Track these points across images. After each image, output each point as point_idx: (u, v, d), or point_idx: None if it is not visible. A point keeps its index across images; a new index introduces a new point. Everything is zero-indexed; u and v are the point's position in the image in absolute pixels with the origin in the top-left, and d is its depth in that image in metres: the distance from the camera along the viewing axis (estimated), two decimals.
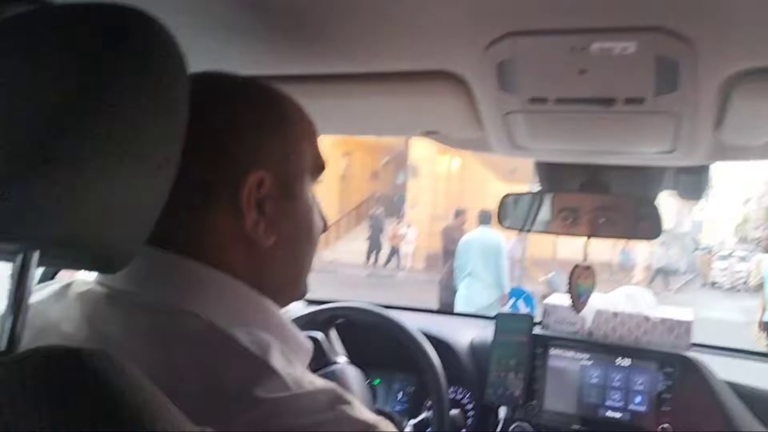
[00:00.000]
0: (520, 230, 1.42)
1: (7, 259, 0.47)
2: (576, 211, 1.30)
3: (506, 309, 6.30)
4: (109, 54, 0.46)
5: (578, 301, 1.30)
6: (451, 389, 1.56)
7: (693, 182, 1.26)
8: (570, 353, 1.49)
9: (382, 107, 1.02)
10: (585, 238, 1.30)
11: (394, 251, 17.18)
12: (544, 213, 1.36)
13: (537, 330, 1.56)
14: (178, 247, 0.59)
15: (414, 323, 1.50)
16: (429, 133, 1.14)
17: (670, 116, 0.83)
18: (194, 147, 0.56)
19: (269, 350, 0.55)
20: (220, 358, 0.53)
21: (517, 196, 1.40)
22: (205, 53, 0.55)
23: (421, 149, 17.88)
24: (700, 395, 1.35)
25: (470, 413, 1.57)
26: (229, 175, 0.60)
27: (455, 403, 1.57)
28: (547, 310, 1.59)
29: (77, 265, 0.56)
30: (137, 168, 0.48)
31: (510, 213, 1.41)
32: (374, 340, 1.46)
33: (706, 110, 0.81)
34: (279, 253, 0.64)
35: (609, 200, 1.29)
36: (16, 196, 0.42)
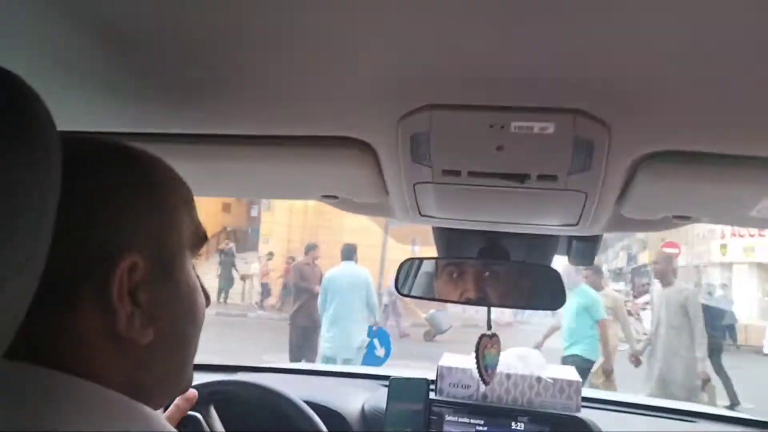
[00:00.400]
0: (419, 298, 1.37)
1: None
2: (475, 278, 1.29)
3: (362, 350, 6.30)
4: None
5: (486, 373, 1.27)
6: None
7: (585, 249, 1.30)
8: (465, 419, 1.47)
9: (279, 171, 0.94)
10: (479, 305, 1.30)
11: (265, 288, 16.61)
12: (442, 279, 1.34)
13: (432, 395, 1.51)
14: (36, 357, 0.49)
15: (299, 390, 1.40)
16: (327, 198, 1.07)
17: (580, 193, 0.84)
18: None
19: None
20: None
21: (414, 261, 1.36)
22: (73, 111, 0.43)
23: None
24: None
25: None
26: (95, 265, 0.49)
27: None
28: (442, 374, 1.56)
29: None
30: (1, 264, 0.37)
31: (408, 279, 1.36)
32: (258, 415, 1.34)
33: (612, 188, 0.83)
34: (159, 348, 0.54)
35: (509, 268, 1.29)
36: None
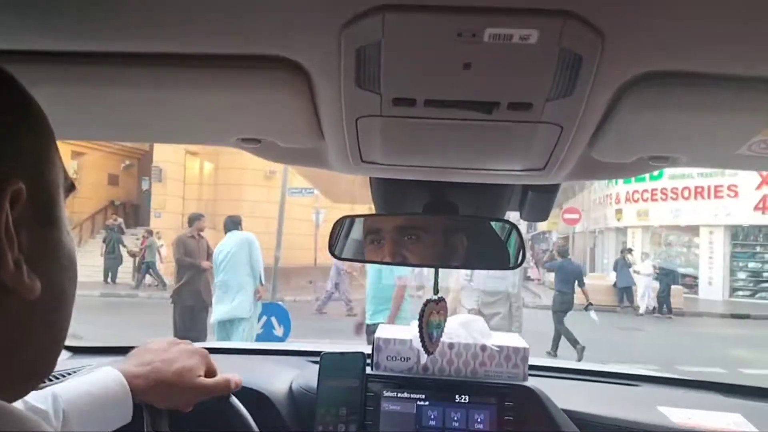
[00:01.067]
0: (354, 261, 1.20)
1: None
2: (419, 236, 1.14)
3: (259, 329, 6.26)
4: None
5: (430, 341, 1.14)
6: None
7: (541, 202, 1.18)
8: (405, 393, 1.33)
9: (185, 105, 0.74)
10: (432, 269, 1.15)
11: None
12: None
13: (368, 370, 1.36)
14: None
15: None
16: (247, 141, 0.87)
17: (555, 127, 0.72)
18: None
19: None
20: None
21: (351, 219, 1.18)
22: None
23: (168, 151, 16.79)
24: (540, 427, 1.29)
25: None
26: None
27: None
28: (379, 345, 1.40)
29: None
30: None
31: (340, 240, 1.18)
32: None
33: (591, 120, 0.72)
34: (40, 309, 0.47)
35: (460, 224, 1.15)
36: None
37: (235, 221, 6.26)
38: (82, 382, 0.92)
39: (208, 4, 0.52)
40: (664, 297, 14.92)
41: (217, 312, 5.93)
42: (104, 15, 0.54)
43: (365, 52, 0.56)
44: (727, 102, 0.66)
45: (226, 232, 6.19)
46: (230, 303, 5.88)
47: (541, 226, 30.89)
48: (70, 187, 0.54)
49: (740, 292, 18.71)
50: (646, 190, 20.69)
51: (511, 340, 1.42)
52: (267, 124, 0.80)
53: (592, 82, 0.61)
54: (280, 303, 7.26)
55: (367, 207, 1.42)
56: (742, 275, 19.01)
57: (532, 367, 1.42)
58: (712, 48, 0.57)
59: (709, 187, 18.55)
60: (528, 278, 21.06)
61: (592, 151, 0.82)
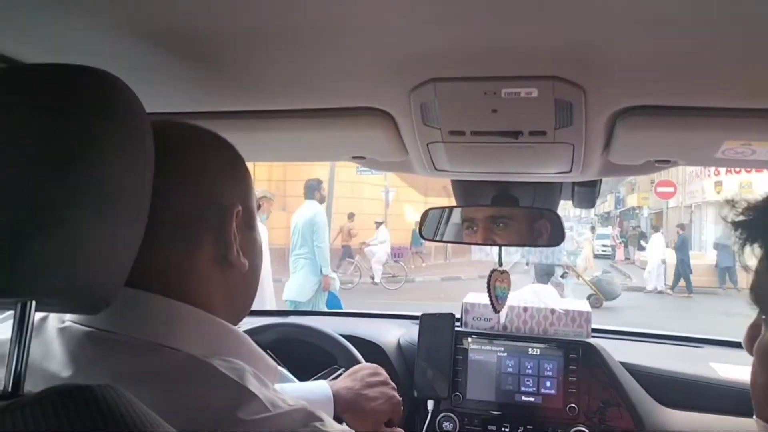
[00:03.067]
0: (435, 240, 1.54)
1: (8, 308, 0.54)
2: (486, 222, 1.46)
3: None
4: (81, 112, 0.51)
5: (497, 302, 1.45)
6: None
7: (587, 194, 1.46)
8: (487, 347, 1.66)
9: (313, 138, 1.12)
10: (497, 246, 1.47)
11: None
12: (456, 223, 1.51)
13: (457, 327, 1.70)
14: (153, 285, 0.64)
15: (343, 329, 1.59)
16: (356, 158, 1.24)
17: (567, 145, 0.99)
18: (172, 191, 0.63)
19: (245, 375, 0.61)
20: (203, 387, 0.59)
21: (436, 210, 1.51)
22: (145, 95, 0.61)
23: None
24: (600, 375, 1.56)
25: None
26: (215, 211, 0.67)
27: None
28: (466, 309, 1.75)
29: (67, 309, 0.60)
30: (115, 221, 0.54)
31: (429, 225, 1.52)
32: (308, 352, 1.52)
33: (595, 139, 0.97)
34: (247, 277, 0.73)
35: (517, 212, 1.45)
36: (15, 258, 0.48)
37: (312, 187, 5.29)
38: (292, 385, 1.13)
39: (331, 77, 0.82)
40: None
41: (285, 290, 5.31)
42: (261, 81, 0.85)
43: (427, 104, 0.86)
44: (693, 124, 0.88)
45: (305, 198, 5.34)
46: (296, 283, 5.21)
47: (631, 201, 29.06)
48: (259, 207, 0.81)
49: None
50: None
51: (577, 305, 1.71)
52: (368, 148, 1.16)
53: (585, 117, 0.86)
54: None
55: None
56: None
57: (597, 330, 1.70)
58: (671, 89, 0.80)
59: None
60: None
61: (609, 157, 1.08)
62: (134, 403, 0.47)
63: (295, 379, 1.28)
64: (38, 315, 0.63)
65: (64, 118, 0.50)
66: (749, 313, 0.67)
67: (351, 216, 16.43)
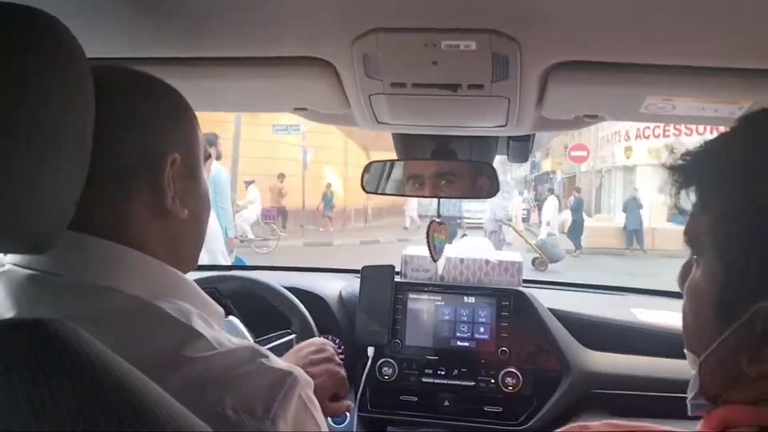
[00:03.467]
0: (378, 193, 1.58)
1: None
2: (425, 175, 1.51)
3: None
4: (20, 54, 0.51)
5: (434, 252, 1.52)
6: (325, 336, 1.70)
7: (520, 148, 1.53)
8: (425, 296, 1.74)
9: (255, 88, 1.12)
10: (434, 198, 1.54)
11: None
12: (399, 177, 1.55)
13: (397, 278, 1.77)
14: (96, 230, 0.64)
15: (287, 281, 1.61)
16: (298, 110, 1.25)
17: (503, 98, 1.03)
18: (112, 137, 0.63)
19: (191, 316, 0.63)
20: (149, 327, 0.60)
21: (377, 163, 1.55)
22: (87, 39, 0.60)
23: None
24: (530, 322, 1.67)
25: (341, 355, 1.73)
26: (150, 159, 0.67)
27: None
28: (405, 260, 1.81)
29: (6, 249, 0.60)
30: (57, 160, 0.53)
31: (372, 178, 1.56)
32: (257, 309, 1.54)
33: (530, 93, 1.02)
34: (189, 226, 0.73)
35: (455, 166, 1.51)
36: None
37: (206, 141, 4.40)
38: None
39: (273, 22, 0.82)
40: None
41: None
42: (205, 27, 0.85)
43: (369, 55, 0.87)
44: (620, 79, 0.92)
45: None
46: (206, 249, 4.70)
47: (545, 165, 29.38)
48: (207, 156, 0.79)
49: None
50: (658, 126, 18.15)
51: (510, 256, 1.81)
52: (310, 99, 1.17)
53: (520, 71, 0.89)
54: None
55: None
56: None
57: (528, 281, 1.81)
58: (600, 44, 0.83)
59: None
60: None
61: (542, 111, 1.13)
62: (84, 336, 0.47)
63: (247, 332, 1.30)
64: None
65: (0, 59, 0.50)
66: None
67: (281, 176, 16.16)
